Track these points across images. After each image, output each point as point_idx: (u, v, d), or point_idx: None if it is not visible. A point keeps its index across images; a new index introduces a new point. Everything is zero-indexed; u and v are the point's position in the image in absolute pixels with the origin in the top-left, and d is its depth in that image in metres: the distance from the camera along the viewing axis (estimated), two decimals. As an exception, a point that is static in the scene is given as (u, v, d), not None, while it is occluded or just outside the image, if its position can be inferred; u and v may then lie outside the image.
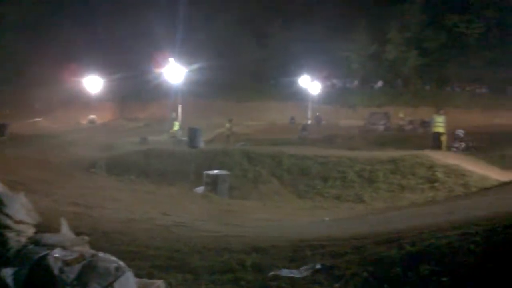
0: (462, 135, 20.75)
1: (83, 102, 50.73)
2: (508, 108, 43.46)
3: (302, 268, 3.72)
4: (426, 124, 30.04)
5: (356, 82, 59.88)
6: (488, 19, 49.74)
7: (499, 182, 11.20)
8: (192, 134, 21.22)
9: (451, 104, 42.78)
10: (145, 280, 2.75)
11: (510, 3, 47.41)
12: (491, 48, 49.78)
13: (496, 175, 13.77)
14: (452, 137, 20.53)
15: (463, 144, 20.46)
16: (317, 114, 44.32)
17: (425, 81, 56.97)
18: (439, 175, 13.64)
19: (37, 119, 44.21)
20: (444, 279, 2.81)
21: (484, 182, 12.68)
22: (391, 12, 53.96)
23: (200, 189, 13.31)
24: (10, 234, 2.74)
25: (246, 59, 57.96)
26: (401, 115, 39.99)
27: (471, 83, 54.60)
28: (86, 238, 2.96)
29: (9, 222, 2.76)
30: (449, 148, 19.99)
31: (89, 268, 2.52)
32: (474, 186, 12.45)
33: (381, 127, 36.61)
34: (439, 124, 18.11)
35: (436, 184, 13.26)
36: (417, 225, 4.94)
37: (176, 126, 32.47)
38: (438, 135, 18.04)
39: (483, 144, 20.70)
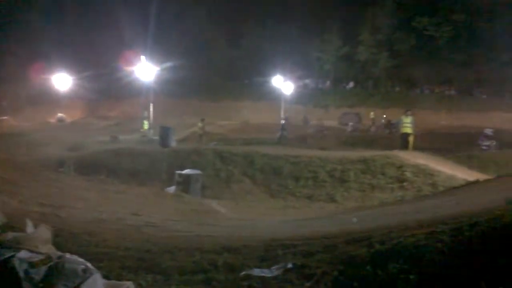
0: (492, 134, 21.23)
1: (52, 100, 49.57)
2: (475, 110, 44.81)
3: (274, 267, 3.73)
4: (392, 125, 30.77)
5: (328, 83, 60.56)
6: (456, 23, 51.01)
7: (466, 182, 11.51)
8: (164, 133, 21.03)
9: (420, 105, 43.82)
10: (113, 282, 2.70)
11: (478, 8, 48.76)
12: (460, 51, 51.07)
13: (463, 174, 14.16)
14: (480, 136, 21.01)
15: (494, 142, 20.92)
16: (305, 115, 44.46)
17: (395, 83, 58.10)
18: (408, 174, 13.95)
19: (3, 117, 43.01)
20: (412, 277, 2.87)
21: (451, 181, 13.02)
22: (362, 14, 54.77)
23: (172, 188, 13.19)
24: (-27, 236, 2.65)
25: (219, 58, 57.85)
26: (371, 116, 40.66)
27: (439, 85, 56.02)
28: (49, 227, 2.87)
29: (-29, 223, 2.67)
30: (479, 146, 20.44)
31: (55, 270, 2.46)
32: (442, 186, 12.78)
33: (349, 128, 37.14)
34: (407, 125, 18.46)
35: (405, 184, 13.55)
36: (386, 224, 5.02)
37: (146, 125, 32.17)
38: (406, 135, 18.39)
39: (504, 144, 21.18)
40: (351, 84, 60.65)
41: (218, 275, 3.70)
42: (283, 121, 31.00)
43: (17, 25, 49.35)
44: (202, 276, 3.69)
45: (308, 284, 3.29)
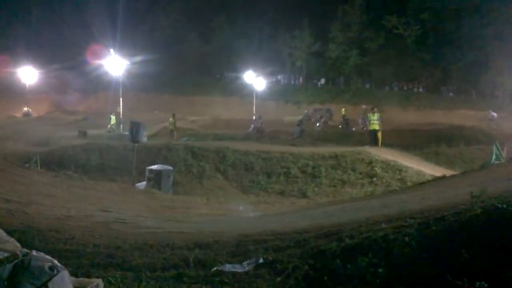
0: None
1: (18, 94, 48.11)
2: (442, 107, 45.96)
3: (245, 262, 3.74)
4: (345, 121, 33.06)
5: (301, 79, 61.00)
6: (424, 22, 52.03)
7: (433, 177, 11.80)
8: (134, 129, 20.65)
9: (389, 102, 44.65)
10: (82, 279, 2.65)
11: (445, 8, 49.88)
12: (427, 50, 52.16)
13: (431, 170, 14.53)
14: None
15: None
16: (305, 111, 44.24)
17: (365, 80, 58.95)
18: (378, 170, 14.22)
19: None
20: (381, 270, 2.92)
21: (419, 177, 13.35)
22: (333, 11, 55.26)
23: (142, 184, 13.01)
24: None
25: (191, 53, 57.40)
26: (343, 112, 41.11)
27: (408, 82, 57.18)
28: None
29: None
30: None
31: (21, 268, 2.39)
32: (410, 181, 13.08)
33: (317, 124, 37.46)
34: (374, 122, 18.77)
35: (374, 179, 13.80)
36: (356, 219, 5.09)
37: (113, 120, 31.69)
38: (374, 132, 18.70)
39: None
40: (323, 81, 61.21)
41: (189, 271, 3.68)
42: (300, 117, 31.18)
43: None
44: (173, 272, 3.66)
45: (279, 279, 3.32)
